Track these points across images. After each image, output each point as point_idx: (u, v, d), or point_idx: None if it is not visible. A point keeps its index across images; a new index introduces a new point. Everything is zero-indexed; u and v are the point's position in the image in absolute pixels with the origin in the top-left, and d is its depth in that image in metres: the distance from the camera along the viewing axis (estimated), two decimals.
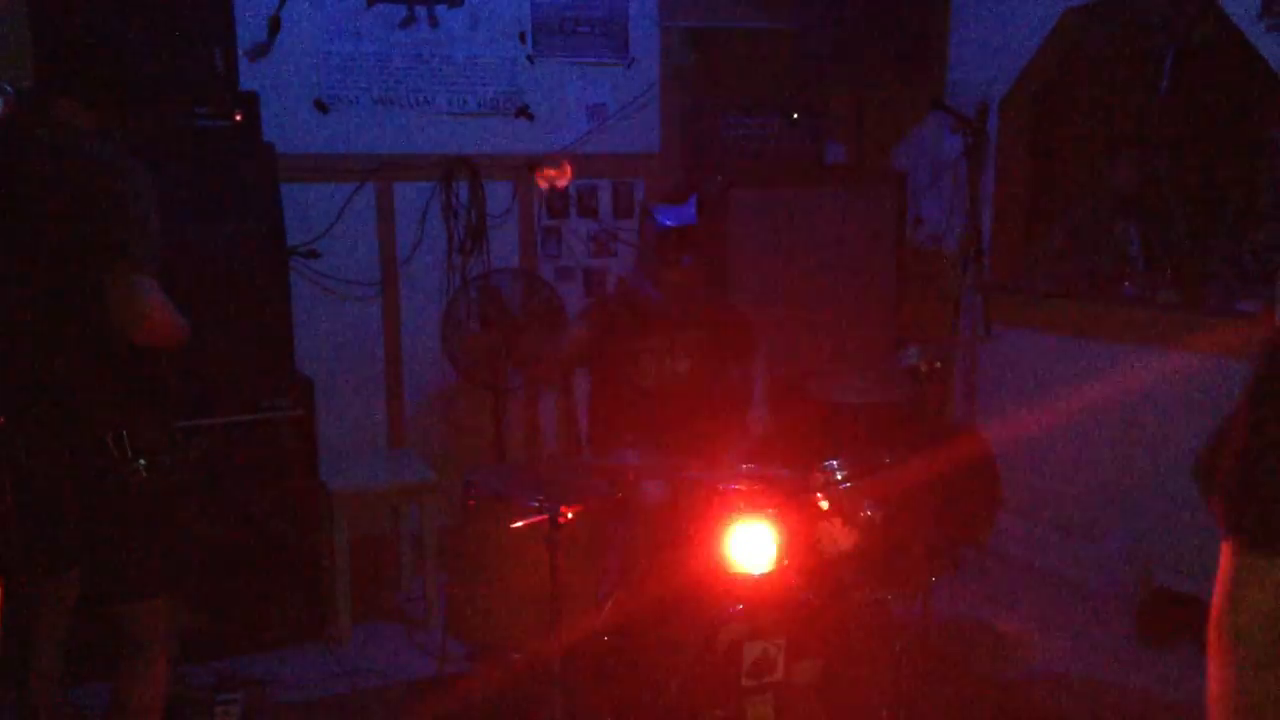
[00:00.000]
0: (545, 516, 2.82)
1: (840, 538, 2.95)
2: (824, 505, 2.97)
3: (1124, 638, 3.97)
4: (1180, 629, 3.90)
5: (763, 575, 2.84)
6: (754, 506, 2.91)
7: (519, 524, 2.86)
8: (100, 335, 2.43)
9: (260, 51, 4.32)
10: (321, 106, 4.49)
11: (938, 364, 3.46)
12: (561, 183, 3.81)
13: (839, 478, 2.98)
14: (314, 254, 4.41)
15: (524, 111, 4.80)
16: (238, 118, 3.91)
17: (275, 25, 4.35)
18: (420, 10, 4.58)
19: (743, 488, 2.95)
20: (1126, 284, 4.47)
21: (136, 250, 2.39)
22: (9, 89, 2.08)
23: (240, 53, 4.15)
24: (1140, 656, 3.84)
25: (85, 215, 2.38)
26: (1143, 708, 3.51)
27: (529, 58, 4.78)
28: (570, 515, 2.92)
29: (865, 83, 5.18)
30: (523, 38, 4.74)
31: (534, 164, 4.77)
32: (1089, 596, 4.31)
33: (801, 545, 2.96)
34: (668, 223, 3.58)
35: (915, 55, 4.95)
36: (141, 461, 2.47)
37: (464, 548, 3.19)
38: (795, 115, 4.95)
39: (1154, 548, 4.18)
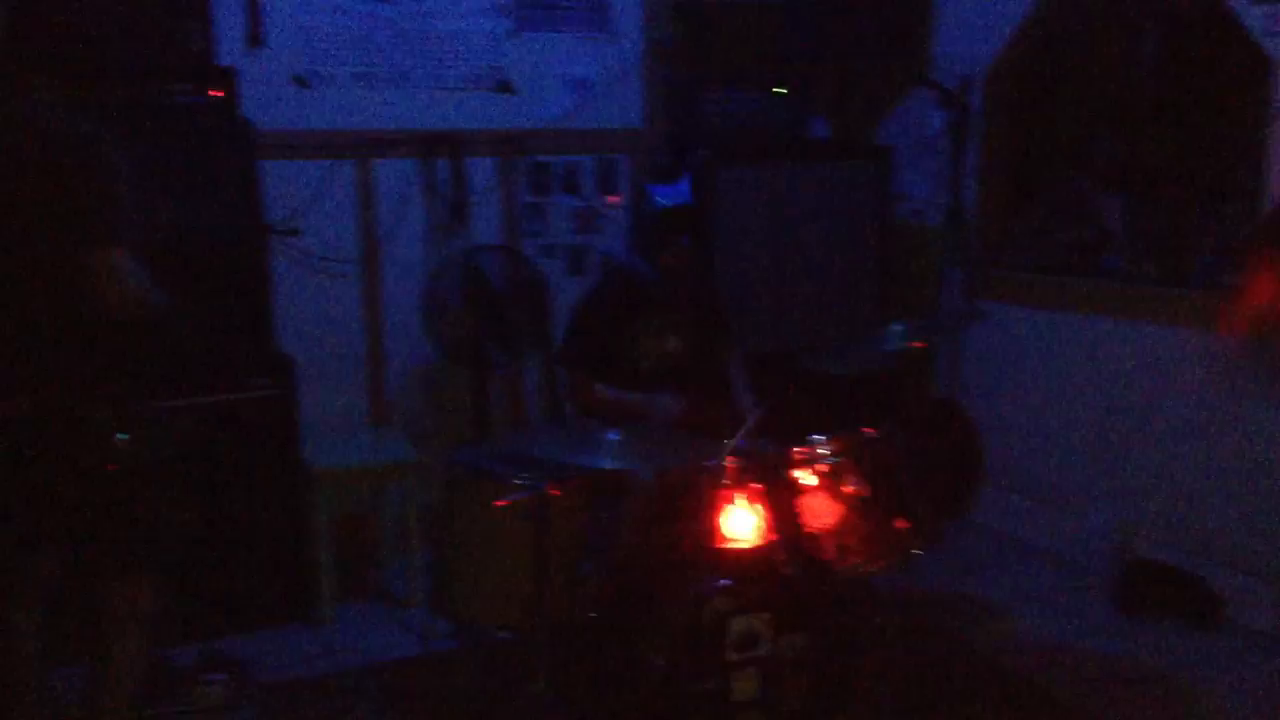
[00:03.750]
0: (530, 494, 2.81)
1: (825, 512, 2.94)
2: (809, 481, 2.96)
3: (1104, 608, 4.01)
4: (1159, 599, 3.94)
5: (748, 550, 2.84)
6: (739, 482, 2.91)
7: (503, 502, 2.85)
8: (76, 309, 2.40)
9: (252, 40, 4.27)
10: (301, 82, 4.44)
11: (921, 339, 3.47)
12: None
13: (823, 453, 2.97)
14: (294, 231, 4.37)
15: (506, 86, 4.76)
16: (216, 94, 3.87)
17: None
18: None
19: (728, 463, 2.94)
20: (1109, 258, 4.48)
21: (109, 224, 2.37)
22: None
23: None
24: (1120, 626, 3.88)
25: (57, 188, 2.35)
26: (1123, 676, 3.53)
27: (510, 31, 4.74)
28: (556, 492, 2.92)
29: (849, 57, 5.16)
30: (504, 11, 4.70)
31: (515, 138, 4.75)
32: (1070, 568, 4.34)
33: (786, 520, 2.96)
34: (665, 202, 3.59)
35: (900, 30, 4.94)
36: (121, 435, 2.45)
37: (449, 525, 3.18)
38: (779, 90, 4.92)
39: (1135, 520, 4.21)
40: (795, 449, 2.99)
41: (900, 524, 3.00)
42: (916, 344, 3.42)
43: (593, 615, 2.93)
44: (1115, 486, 4.31)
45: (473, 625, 3.40)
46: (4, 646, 2.67)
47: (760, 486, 2.93)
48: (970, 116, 4.78)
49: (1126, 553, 4.19)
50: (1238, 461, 3.85)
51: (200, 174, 3.81)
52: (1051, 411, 4.51)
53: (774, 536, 2.89)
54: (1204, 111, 4.24)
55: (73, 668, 2.84)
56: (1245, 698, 3.40)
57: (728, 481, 2.91)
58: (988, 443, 4.81)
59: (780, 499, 2.97)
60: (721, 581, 2.74)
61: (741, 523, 2.86)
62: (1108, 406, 4.31)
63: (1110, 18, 4.53)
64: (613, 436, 2.82)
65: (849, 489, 2.95)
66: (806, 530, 2.95)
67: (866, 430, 3.04)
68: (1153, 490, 4.15)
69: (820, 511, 2.95)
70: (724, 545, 2.85)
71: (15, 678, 2.70)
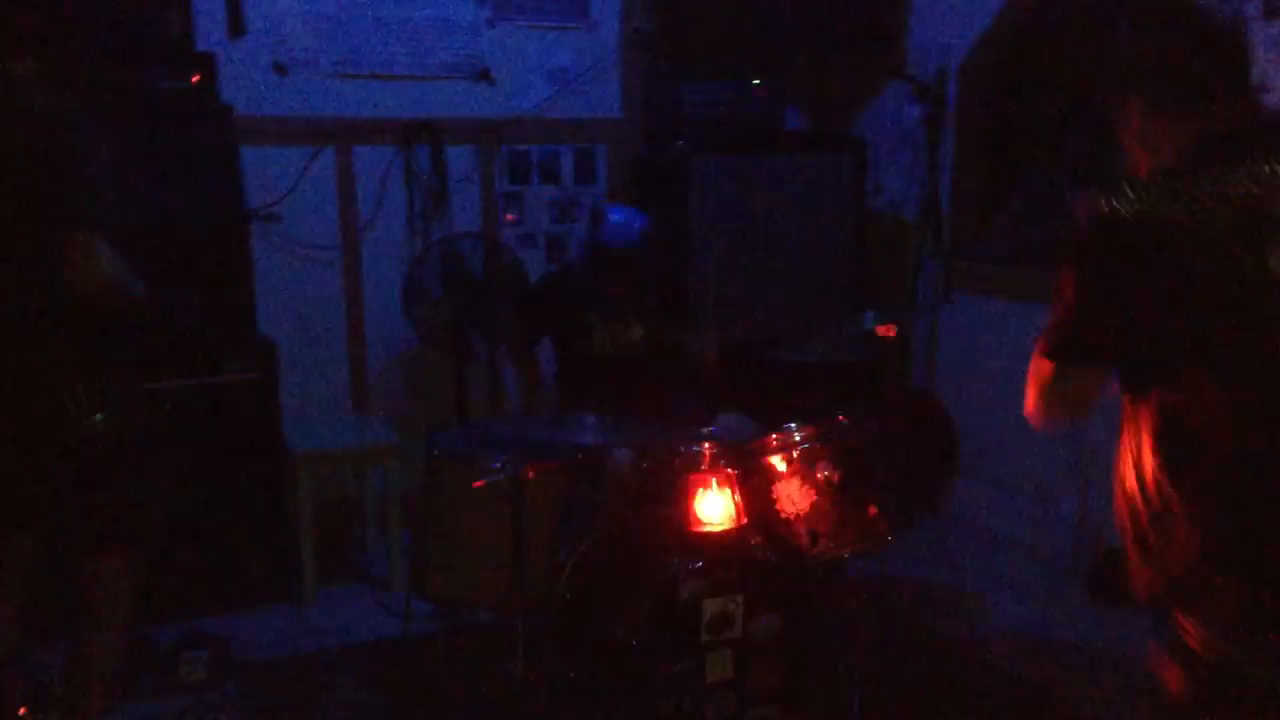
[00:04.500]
0: (508, 476, 2.85)
1: (798, 498, 2.99)
2: (782, 467, 3.01)
3: (1076, 596, 4.07)
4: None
5: (722, 534, 2.89)
6: (714, 467, 2.96)
7: (481, 483, 2.89)
8: (53, 291, 2.37)
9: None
10: (280, 69, 4.45)
11: (896, 329, 3.52)
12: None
13: (797, 439, 3.02)
14: (275, 217, 4.39)
15: (485, 75, 4.79)
16: (195, 79, 3.88)
17: None
18: None
19: (703, 449, 2.98)
20: None
21: (88, 210, 2.35)
22: None
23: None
24: (1091, 615, 3.94)
25: (35, 172, 2.33)
26: (1093, 664, 3.60)
27: (489, 20, 4.76)
28: (532, 475, 2.96)
29: (826, 50, 5.20)
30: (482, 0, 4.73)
31: (494, 127, 4.78)
32: (1042, 558, 4.40)
33: (760, 505, 3.01)
34: (609, 242, 3.64)
35: (875, 22, 4.97)
36: (99, 416, 2.44)
37: (428, 508, 3.22)
38: (756, 81, 4.96)
39: (1106, 511, 4.26)
40: (769, 435, 3.04)
41: (872, 510, 3.05)
42: (886, 331, 3.47)
43: (568, 596, 2.97)
44: (1087, 476, 4.37)
45: (452, 606, 3.44)
46: None
47: (734, 471, 2.98)
48: (945, 109, 4.82)
49: (1098, 542, 4.25)
50: None
51: (181, 160, 3.82)
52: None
53: (747, 521, 2.94)
54: None
55: (52, 649, 2.85)
56: None
57: (702, 466, 2.96)
58: (962, 433, 4.87)
59: (753, 484, 3.03)
60: (695, 564, 2.78)
61: (715, 506, 2.91)
62: None
63: (1084, 11, 4.58)
64: (590, 420, 2.86)
65: (821, 475, 3.00)
66: (779, 515, 3.00)
67: (839, 418, 3.09)
68: None
69: (793, 496, 3.00)
70: (698, 529, 2.89)
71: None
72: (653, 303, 3.86)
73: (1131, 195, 1.68)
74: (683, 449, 3.01)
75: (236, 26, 4.32)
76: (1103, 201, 1.70)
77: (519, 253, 4.68)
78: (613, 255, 3.66)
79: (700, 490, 2.92)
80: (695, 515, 2.90)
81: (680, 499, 2.93)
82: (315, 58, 4.51)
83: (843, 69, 5.31)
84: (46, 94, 2.42)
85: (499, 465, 2.89)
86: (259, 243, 4.33)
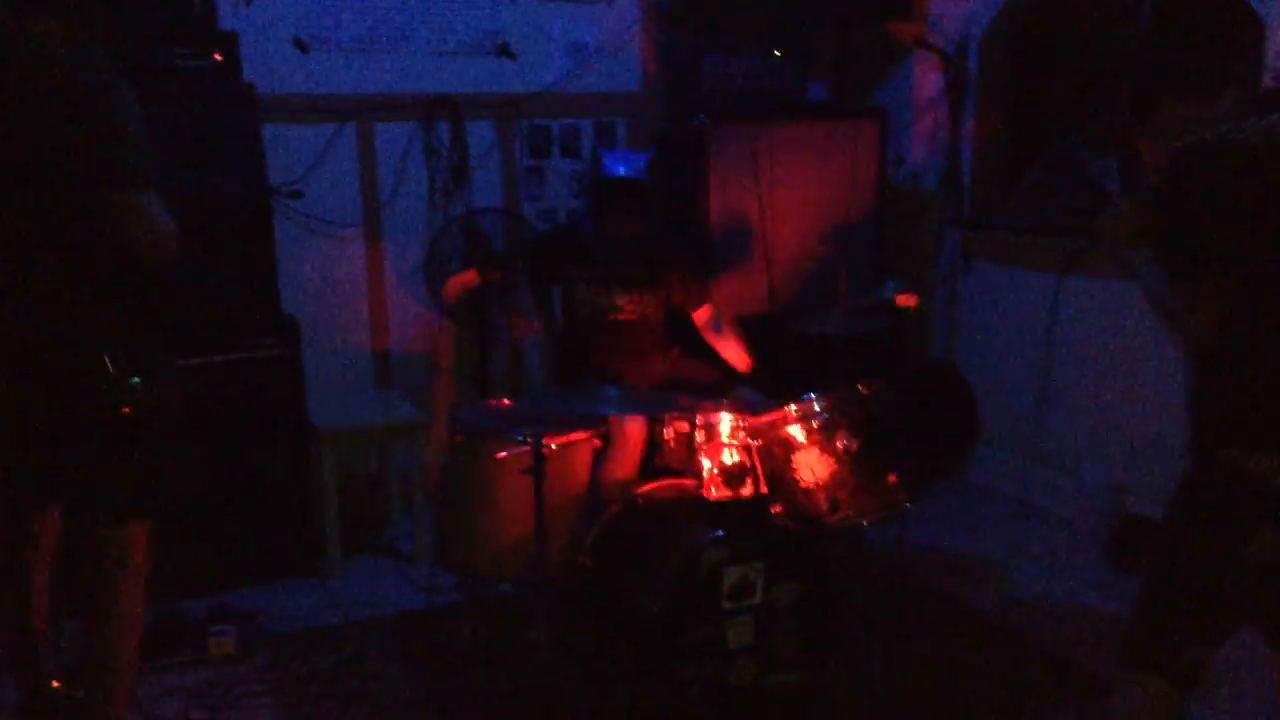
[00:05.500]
0: (529, 448, 2.87)
1: (818, 467, 3.01)
2: (801, 437, 3.03)
3: (1098, 565, 4.07)
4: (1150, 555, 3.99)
5: (742, 503, 2.91)
6: (734, 437, 2.97)
7: (503, 454, 2.92)
8: (92, 253, 2.39)
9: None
10: (301, 46, 4.47)
11: (916, 299, 3.53)
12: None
13: (816, 409, 3.04)
14: (297, 194, 4.42)
15: (505, 50, 4.80)
16: (217, 58, 3.90)
17: None
18: None
19: (723, 418, 3.00)
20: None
21: (135, 164, 2.35)
22: None
23: None
24: (1112, 582, 3.94)
25: (76, 130, 2.31)
26: (1113, 631, 3.60)
27: None
28: (554, 447, 2.98)
29: (848, 20, 5.17)
30: None
31: (514, 102, 4.79)
32: (1065, 526, 4.40)
33: (780, 474, 3.03)
34: (613, 172, 3.57)
35: None
36: (136, 380, 2.44)
37: (450, 481, 3.25)
38: (777, 53, 4.94)
39: (1127, 479, 4.26)
40: (788, 405, 3.05)
41: (892, 479, 3.07)
42: (906, 301, 3.47)
43: (590, 566, 3.00)
44: (1109, 446, 4.37)
45: (475, 578, 3.48)
46: (21, 596, 2.70)
47: (755, 441, 3.00)
48: (967, 79, 4.80)
49: (1120, 511, 4.25)
50: None
51: (203, 138, 3.84)
52: (1046, 371, 4.56)
53: (767, 490, 2.96)
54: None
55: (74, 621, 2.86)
56: (1231, 647, 3.46)
57: (723, 435, 2.97)
58: (983, 403, 4.86)
59: (773, 454, 3.04)
60: (716, 533, 2.81)
61: (736, 475, 2.93)
62: (1102, 367, 4.36)
63: None
64: (612, 391, 2.89)
65: (841, 443, 3.01)
66: (799, 484, 3.02)
67: (859, 387, 3.10)
68: (1145, 448, 4.21)
69: (813, 466, 3.02)
70: (718, 497, 2.91)
71: (28, 626, 2.72)
72: (659, 248, 3.79)
73: (1197, 135, 1.98)
74: (703, 419, 3.02)
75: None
76: (1174, 144, 2.00)
77: (539, 227, 4.71)
78: (616, 186, 3.57)
79: (722, 460, 2.93)
80: (716, 485, 2.92)
81: (702, 469, 2.95)
82: (336, 35, 4.52)
83: (864, 40, 5.29)
84: (75, 50, 2.39)
85: (521, 438, 2.92)
86: (281, 220, 4.35)
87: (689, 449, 3.09)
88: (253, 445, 3.91)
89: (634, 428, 3.36)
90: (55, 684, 2.81)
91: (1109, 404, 4.35)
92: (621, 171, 3.55)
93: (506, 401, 3.48)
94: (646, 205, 3.57)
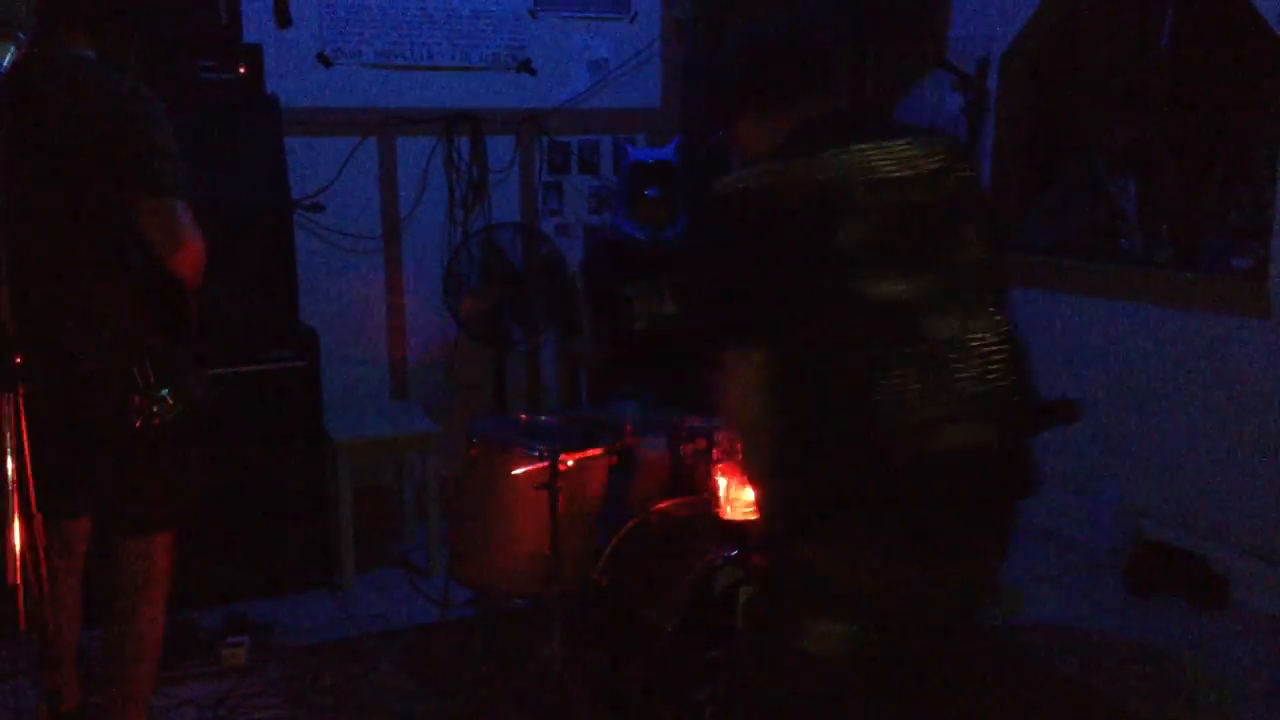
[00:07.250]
0: (545, 464, 2.87)
1: None
2: None
3: (1113, 589, 4.04)
4: (1168, 580, 3.97)
5: (756, 522, 2.90)
6: None
7: (520, 470, 2.92)
8: (124, 264, 2.43)
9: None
10: (324, 60, 4.50)
11: None
12: None
13: None
14: (318, 207, 4.45)
15: (526, 66, 4.82)
16: (241, 70, 3.94)
17: None
18: None
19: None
20: (1123, 241, 4.49)
21: (167, 174, 2.39)
22: (21, 36, 2.09)
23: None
24: (1128, 607, 3.91)
25: (109, 143, 2.36)
26: (1129, 656, 3.58)
27: (531, 12, 4.79)
28: (570, 463, 2.98)
29: (868, 38, 5.17)
30: None
31: (535, 118, 4.81)
32: (1080, 549, 4.38)
33: None
34: (639, 158, 3.68)
35: (917, 11, 4.94)
36: (164, 391, 2.46)
37: (466, 495, 3.25)
38: None
39: (1144, 502, 4.24)
40: None
41: None
42: None
43: (604, 583, 3.00)
44: (1125, 469, 4.34)
45: (489, 593, 3.48)
46: (51, 600, 2.70)
47: None
48: (987, 98, 4.80)
49: (1136, 534, 4.22)
50: (1246, 445, 3.89)
51: (227, 150, 3.87)
52: (1063, 393, 4.53)
53: None
54: (1218, 95, 4.25)
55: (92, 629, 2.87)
56: (1247, 677, 3.44)
57: (736, 455, 2.97)
58: None
59: None
60: (730, 552, 2.80)
61: (749, 494, 2.92)
62: (1118, 389, 4.34)
63: (1125, 2, 4.54)
64: (630, 407, 2.88)
65: None
66: None
67: None
68: (1162, 473, 4.18)
69: None
70: (732, 516, 2.91)
71: (62, 646, 2.71)
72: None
73: (737, 176, 1.88)
74: (718, 437, 3.02)
75: (283, 18, 4.37)
76: (717, 184, 1.88)
77: (557, 242, 4.72)
78: (648, 167, 3.70)
79: (735, 478, 2.93)
80: (730, 504, 2.92)
81: (716, 488, 2.94)
82: (359, 49, 4.56)
83: (884, 58, 5.29)
84: (109, 68, 2.46)
85: (537, 453, 2.92)
86: (301, 233, 4.38)
87: (706, 466, 3.08)
88: (269, 456, 3.92)
89: (653, 446, 3.36)
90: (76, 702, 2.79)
91: (1127, 427, 4.33)
92: (649, 158, 3.66)
93: (524, 416, 3.49)
94: (678, 186, 3.69)
